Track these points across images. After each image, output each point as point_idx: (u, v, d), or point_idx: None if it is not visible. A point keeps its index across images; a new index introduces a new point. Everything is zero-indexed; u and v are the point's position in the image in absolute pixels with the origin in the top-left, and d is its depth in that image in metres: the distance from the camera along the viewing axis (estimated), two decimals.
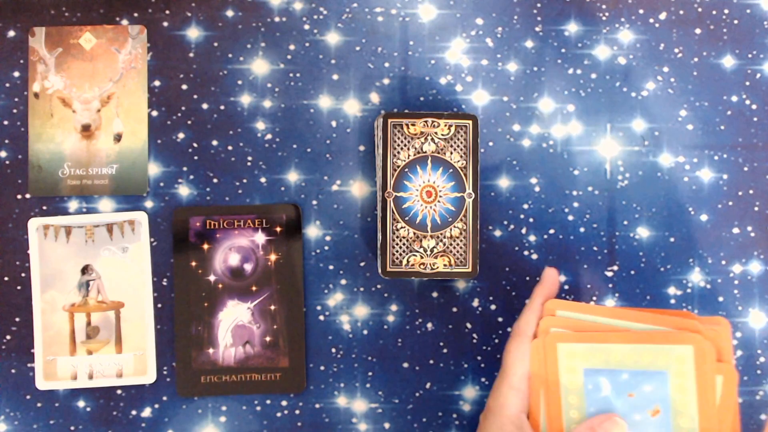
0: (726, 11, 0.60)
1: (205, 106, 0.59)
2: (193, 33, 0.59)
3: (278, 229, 0.58)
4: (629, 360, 0.45)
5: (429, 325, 0.59)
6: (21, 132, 0.59)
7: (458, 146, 0.55)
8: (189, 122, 0.59)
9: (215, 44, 0.59)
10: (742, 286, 0.60)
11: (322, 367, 0.59)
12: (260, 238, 0.58)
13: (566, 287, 0.59)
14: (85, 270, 0.58)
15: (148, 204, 0.59)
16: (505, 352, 0.49)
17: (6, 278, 0.58)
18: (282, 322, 0.58)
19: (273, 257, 0.58)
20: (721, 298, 0.60)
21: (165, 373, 0.58)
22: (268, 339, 0.58)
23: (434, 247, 0.54)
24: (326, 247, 0.59)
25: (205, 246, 0.58)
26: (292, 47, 0.59)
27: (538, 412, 0.47)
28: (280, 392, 0.58)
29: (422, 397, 0.59)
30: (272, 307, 0.58)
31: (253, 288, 0.58)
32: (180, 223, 0.58)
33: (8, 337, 0.58)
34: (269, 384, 0.58)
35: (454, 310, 0.59)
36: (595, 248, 0.59)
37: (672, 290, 0.59)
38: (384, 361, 0.59)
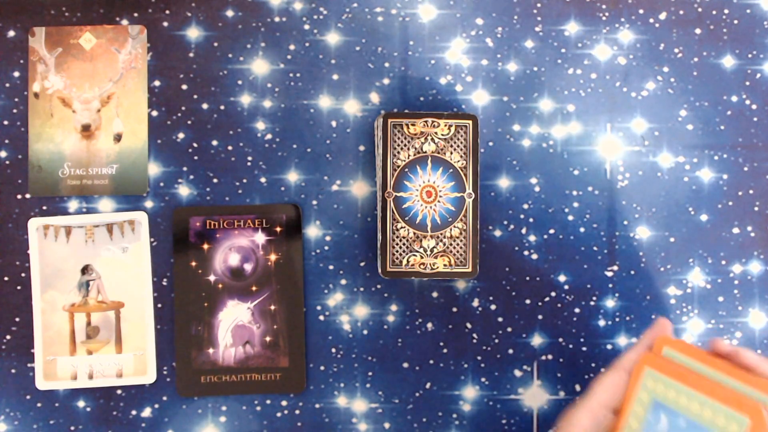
0: (726, 11, 0.60)
1: (205, 106, 0.59)
2: (193, 33, 0.59)
3: (278, 229, 0.58)
4: (694, 407, 0.45)
5: (429, 325, 0.59)
6: (21, 132, 0.59)
7: (458, 146, 0.55)
8: (189, 122, 0.59)
9: (215, 44, 0.59)
10: (742, 286, 0.60)
11: (322, 367, 0.59)
12: (260, 238, 0.58)
13: (566, 287, 0.59)
14: (85, 270, 0.58)
15: (148, 204, 0.59)
16: (597, 380, 0.49)
17: (6, 278, 0.58)
18: (282, 322, 0.58)
19: (273, 257, 0.58)
20: (721, 298, 0.60)
21: (165, 373, 0.58)
22: (268, 339, 0.58)
23: (434, 247, 0.54)
24: (326, 247, 0.59)
25: (205, 246, 0.58)
26: (292, 47, 0.59)
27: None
28: (280, 392, 0.58)
29: (422, 397, 0.59)
30: (272, 307, 0.58)
31: (253, 288, 0.58)
32: (180, 223, 0.58)
33: (8, 337, 0.58)
34: (269, 384, 0.58)
35: (454, 310, 0.59)
36: (595, 248, 0.59)
37: (672, 290, 0.59)
38: (384, 361, 0.59)
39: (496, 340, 0.59)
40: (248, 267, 0.58)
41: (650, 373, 0.46)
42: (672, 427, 0.45)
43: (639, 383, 0.47)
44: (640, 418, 0.46)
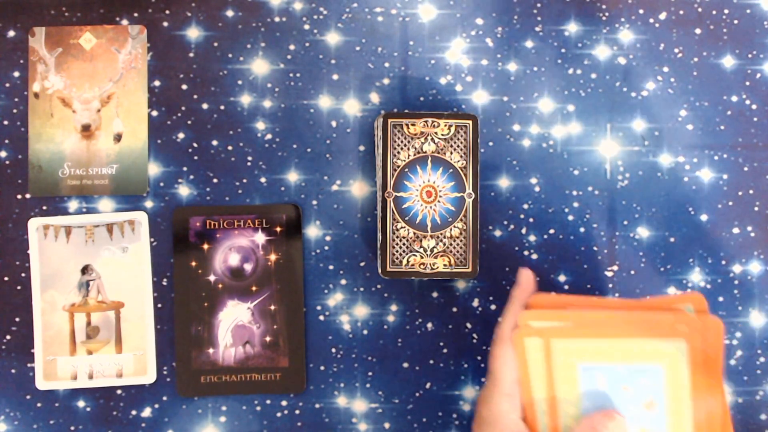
0: (726, 11, 0.60)
1: (205, 106, 0.59)
2: (193, 33, 0.59)
3: (278, 229, 0.58)
4: (625, 355, 0.46)
5: (429, 325, 0.59)
6: (21, 132, 0.59)
7: (458, 146, 0.55)
8: (189, 122, 0.59)
9: (215, 44, 0.59)
10: (742, 286, 0.60)
11: (322, 367, 0.59)
12: (260, 238, 0.58)
13: (566, 287, 0.59)
14: (85, 270, 0.58)
15: (148, 204, 0.59)
16: (490, 358, 0.48)
17: (6, 278, 0.58)
18: (282, 322, 0.58)
19: (273, 257, 0.58)
20: (721, 298, 0.60)
21: (165, 373, 0.58)
22: (268, 339, 0.58)
23: (434, 247, 0.54)
24: (326, 247, 0.59)
25: (205, 246, 0.58)
26: (292, 47, 0.59)
27: (533, 413, 0.47)
28: (280, 392, 0.58)
29: (422, 397, 0.59)
30: (272, 307, 0.58)
31: (253, 288, 0.58)
32: (180, 223, 0.58)
33: (8, 337, 0.58)
34: (269, 384, 0.58)
35: (454, 310, 0.59)
36: (595, 248, 0.59)
37: (672, 290, 0.59)
38: (384, 361, 0.59)
39: None
40: (248, 267, 0.58)
41: (561, 344, 0.46)
42: (611, 379, 0.46)
43: (550, 358, 0.47)
44: (574, 387, 0.47)
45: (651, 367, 0.46)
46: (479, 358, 0.59)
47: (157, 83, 0.59)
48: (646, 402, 0.46)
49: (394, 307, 0.59)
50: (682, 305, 0.46)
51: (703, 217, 0.60)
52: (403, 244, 0.54)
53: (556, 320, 0.47)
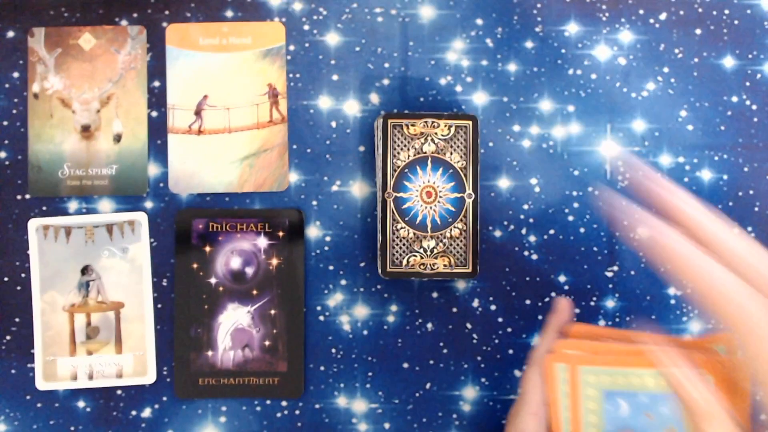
0: (726, 11, 0.60)
1: None
2: None
3: (281, 233, 0.58)
4: (650, 383, 0.46)
5: (429, 325, 0.59)
6: (21, 132, 0.58)
7: (458, 147, 0.55)
8: None
9: None
10: None
11: (322, 368, 0.59)
12: (262, 242, 0.58)
13: (566, 287, 0.59)
14: (85, 270, 0.58)
15: (148, 204, 0.59)
16: (523, 379, 0.50)
17: (6, 278, 0.58)
18: (282, 327, 0.58)
19: (275, 261, 0.58)
20: None
21: (165, 373, 0.58)
22: (267, 343, 0.58)
23: (434, 247, 0.54)
24: (326, 248, 0.59)
25: (207, 248, 0.58)
26: (292, 47, 0.59)
27: None
28: (278, 397, 0.58)
29: (422, 397, 0.59)
30: (272, 312, 0.58)
31: (254, 292, 0.58)
32: (182, 224, 0.58)
33: (8, 337, 0.58)
34: (267, 388, 0.58)
35: (454, 310, 0.59)
36: (595, 248, 0.59)
37: (672, 290, 0.59)
38: (384, 361, 0.59)
39: (496, 341, 0.59)
40: (249, 271, 0.58)
41: (587, 370, 0.47)
42: (633, 407, 0.47)
43: (578, 384, 0.48)
44: (597, 412, 0.47)
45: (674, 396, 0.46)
46: (479, 358, 0.59)
47: (157, 83, 0.59)
48: (666, 429, 0.46)
49: (394, 308, 0.59)
50: (714, 346, 0.47)
51: None
52: (403, 245, 0.54)
53: (587, 351, 0.48)
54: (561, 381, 0.48)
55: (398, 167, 0.54)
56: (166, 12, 0.59)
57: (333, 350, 0.59)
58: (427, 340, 0.59)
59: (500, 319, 0.59)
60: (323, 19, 0.59)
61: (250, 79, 0.58)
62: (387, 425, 0.59)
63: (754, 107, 0.60)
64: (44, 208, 0.58)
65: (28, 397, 0.58)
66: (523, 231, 0.59)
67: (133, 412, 0.58)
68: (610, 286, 0.59)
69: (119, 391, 0.58)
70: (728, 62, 0.60)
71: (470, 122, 0.55)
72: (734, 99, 0.60)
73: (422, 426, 0.59)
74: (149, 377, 0.58)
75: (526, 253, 0.59)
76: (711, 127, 0.60)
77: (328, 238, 0.59)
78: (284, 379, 0.58)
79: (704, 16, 0.60)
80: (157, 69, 0.59)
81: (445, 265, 0.55)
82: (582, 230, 0.59)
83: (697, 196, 0.59)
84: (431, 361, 0.59)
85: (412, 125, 0.54)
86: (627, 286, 0.59)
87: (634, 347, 0.47)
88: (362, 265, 0.59)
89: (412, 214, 0.54)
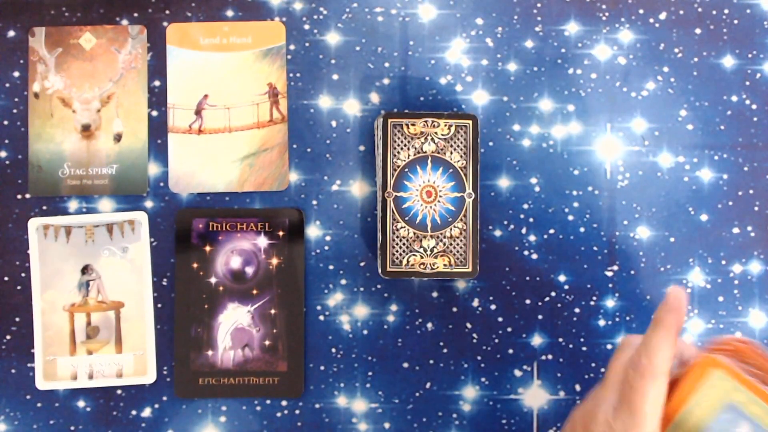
0: (726, 11, 0.60)
1: None
2: None
3: (281, 233, 0.58)
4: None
5: (429, 325, 0.59)
6: (21, 132, 0.58)
7: (458, 146, 0.55)
8: None
9: None
10: (742, 286, 0.60)
11: (322, 367, 0.59)
12: (263, 241, 0.58)
13: (566, 287, 0.59)
14: (85, 270, 0.58)
15: (148, 204, 0.59)
16: (637, 394, 0.40)
17: (6, 278, 0.58)
18: (282, 327, 0.58)
19: (275, 261, 0.58)
20: (721, 298, 0.60)
21: (165, 373, 0.58)
22: (267, 343, 0.58)
23: (434, 247, 0.54)
24: (326, 247, 0.59)
25: (207, 248, 0.58)
26: (292, 47, 0.59)
27: None
28: (278, 396, 0.58)
29: (422, 397, 0.59)
30: (272, 311, 0.58)
31: (254, 291, 0.58)
32: (183, 224, 0.58)
33: (8, 337, 0.58)
34: (267, 388, 0.58)
35: (454, 310, 0.59)
36: (595, 248, 0.59)
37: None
38: (384, 361, 0.59)
39: (496, 340, 0.59)
40: (250, 270, 0.58)
41: (718, 374, 0.42)
42: None
43: (705, 383, 0.42)
44: (709, 413, 0.42)
45: None
46: (479, 358, 0.59)
47: (157, 83, 0.59)
48: None
49: (394, 307, 0.59)
50: None
51: (703, 217, 0.60)
52: (403, 244, 0.54)
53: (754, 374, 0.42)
54: (709, 386, 0.42)
55: (398, 167, 0.54)
56: (167, 11, 0.59)
57: (333, 350, 0.59)
58: (427, 340, 0.59)
59: (500, 319, 0.59)
60: (323, 18, 0.59)
61: (250, 79, 0.58)
62: (387, 425, 0.59)
63: (754, 107, 0.60)
64: (44, 207, 0.58)
65: (28, 397, 0.58)
66: (523, 230, 0.59)
67: (133, 412, 0.58)
68: (610, 285, 0.59)
69: (119, 391, 0.58)
70: (728, 62, 0.60)
71: (470, 122, 0.55)
72: (734, 99, 0.60)
73: (422, 426, 0.59)
74: (149, 377, 0.58)
75: (526, 252, 0.59)
76: (711, 127, 0.60)
77: (328, 238, 0.59)
78: (284, 379, 0.58)
79: (704, 15, 0.60)
80: (157, 68, 0.59)
81: (445, 265, 0.55)
82: (582, 230, 0.59)
83: (697, 195, 0.60)
84: (431, 361, 0.59)
85: (412, 125, 0.54)
86: (627, 286, 0.59)
87: None
88: (362, 264, 0.59)
89: (412, 214, 0.54)
